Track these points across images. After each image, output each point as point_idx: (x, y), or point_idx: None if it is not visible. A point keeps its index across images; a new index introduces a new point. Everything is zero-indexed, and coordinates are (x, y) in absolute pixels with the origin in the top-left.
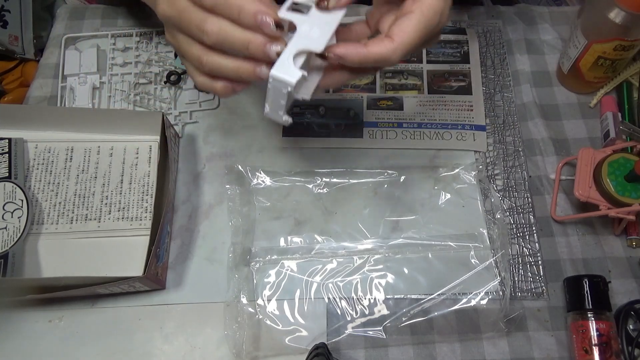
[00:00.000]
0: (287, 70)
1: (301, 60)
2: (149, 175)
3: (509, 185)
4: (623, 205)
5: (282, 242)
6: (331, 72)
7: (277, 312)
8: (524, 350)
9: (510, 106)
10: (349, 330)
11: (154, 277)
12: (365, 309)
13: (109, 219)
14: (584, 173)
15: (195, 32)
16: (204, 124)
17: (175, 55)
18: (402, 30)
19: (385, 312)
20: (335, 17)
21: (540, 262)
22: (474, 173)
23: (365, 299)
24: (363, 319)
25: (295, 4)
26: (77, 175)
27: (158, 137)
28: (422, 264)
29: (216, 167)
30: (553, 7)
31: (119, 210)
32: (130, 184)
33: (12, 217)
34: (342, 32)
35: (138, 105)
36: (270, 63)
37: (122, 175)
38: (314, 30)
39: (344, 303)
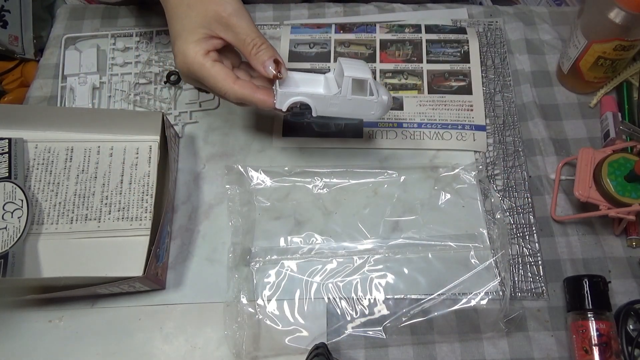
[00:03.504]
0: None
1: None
2: (149, 175)
3: (509, 185)
4: (623, 205)
5: (282, 242)
6: None
7: (277, 312)
8: (524, 350)
9: (510, 106)
10: (349, 330)
11: (154, 277)
12: (365, 309)
13: (109, 219)
14: (584, 173)
15: (217, 94)
16: (204, 124)
17: None
18: None
19: (385, 312)
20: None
21: (540, 262)
22: (474, 173)
23: (365, 299)
24: (363, 319)
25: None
26: (77, 175)
27: (158, 137)
28: (422, 264)
29: (216, 167)
30: (553, 7)
31: (119, 210)
32: (130, 184)
33: (12, 217)
34: None
35: (138, 105)
36: None
37: (122, 175)
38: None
39: (344, 303)
